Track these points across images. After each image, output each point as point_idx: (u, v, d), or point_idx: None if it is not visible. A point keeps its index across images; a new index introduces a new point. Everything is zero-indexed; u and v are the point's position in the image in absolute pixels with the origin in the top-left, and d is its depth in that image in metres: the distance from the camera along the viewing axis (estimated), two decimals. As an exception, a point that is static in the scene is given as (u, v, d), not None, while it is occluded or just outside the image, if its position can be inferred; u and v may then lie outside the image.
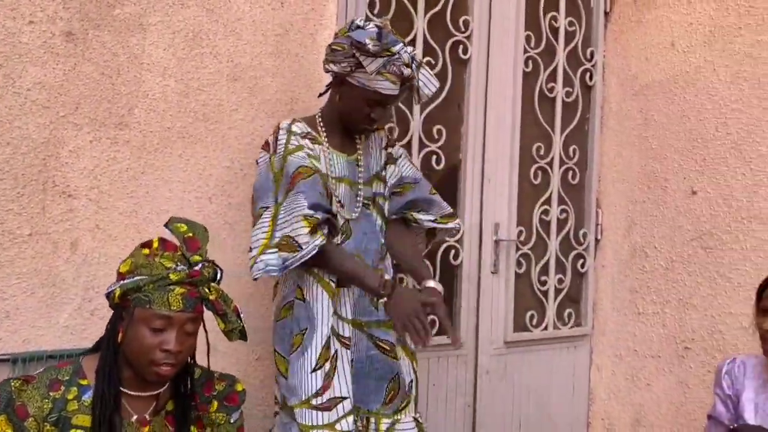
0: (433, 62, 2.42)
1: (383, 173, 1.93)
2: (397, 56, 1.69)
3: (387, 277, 1.76)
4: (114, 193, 1.86)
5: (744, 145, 2.35)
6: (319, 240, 1.64)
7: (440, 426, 2.49)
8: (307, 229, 1.62)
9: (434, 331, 2.13)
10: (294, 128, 1.77)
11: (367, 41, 1.65)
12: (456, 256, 2.52)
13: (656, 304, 2.65)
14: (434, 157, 2.46)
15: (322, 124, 1.84)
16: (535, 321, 2.73)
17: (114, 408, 1.30)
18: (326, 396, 1.71)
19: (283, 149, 1.74)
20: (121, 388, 1.33)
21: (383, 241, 1.90)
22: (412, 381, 1.88)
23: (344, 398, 1.72)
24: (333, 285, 1.77)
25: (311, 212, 1.63)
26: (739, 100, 2.36)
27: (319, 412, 1.69)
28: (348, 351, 1.77)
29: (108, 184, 1.85)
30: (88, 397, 1.31)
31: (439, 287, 1.83)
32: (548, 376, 2.77)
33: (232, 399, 1.47)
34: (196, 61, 1.96)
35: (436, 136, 2.47)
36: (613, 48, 2.86)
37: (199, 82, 1.97)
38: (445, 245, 2.49)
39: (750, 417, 1.73)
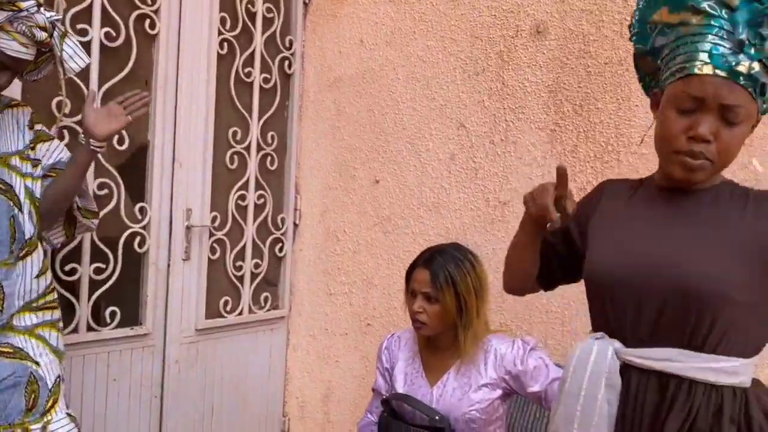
0: (114, 34, 2.25)
1: (29, 152, 1.74)
2: (25, 13, 1.51)
3: None
4: None
5: (416, 140, 2.59)
6: None
7: (123, 423, 2.36)
8: None
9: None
10: None
11: None
12: (142, 244, 2.39)
13: (345, 285, 2.82)
14: (116, 136, 2.29)
15: None
16: (229, 307, 2.72)
17: None
18: None
19: None
20: None
21: (33, 227, 1.71)
22: (58, 377, 1.74)
23: None
24: None
25: None
26: (413, 99, 2.60)
27: None
28: None
29: None
30: None
31: None
32: (244, 360, 2.79)
33: None
34: None
35: (119, 115, 2.30)
36: (312, 39, 2.94)
37: None
38: (128, 232, 2.35)
39: (400, 386, 1.92)
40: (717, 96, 1.10)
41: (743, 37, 1.10)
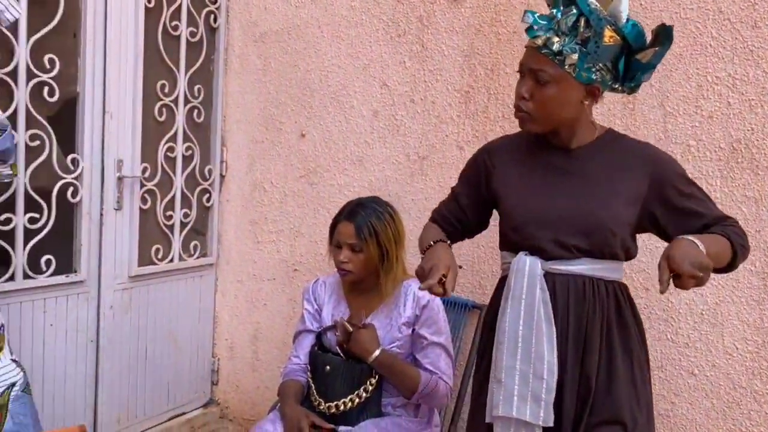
0: (41, -15, 2.26)
1: None
2: None
3: None
4: None
5: (341, 97, 2.75)
6: None
7: (60, 366, 2.46)
8: None
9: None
10: None
11: None
12: (75, 194, 2.45)
13: (272, 233, 2.98)
14: (46, 88, 2.32)
15: None
16: (161, 255, 2.83)
17: None
18: None
19: None
20: None
21: None
22: (1, 326, 1.83)
23: None
24: None
25: None
26: (337, 57, 2.74)
27: None
28: None
29: None
30: None
31: None
32: (175, 305, 2.92)
33: None
34: None
35: (48, 66, 2.32)
36: (237, -6, 3.01)
37: None
38: (61, 182, 2.40)
39: (327, 329, 2.14)
40: (527, 62, 1.47)
41: (555, 15, 1.44)
